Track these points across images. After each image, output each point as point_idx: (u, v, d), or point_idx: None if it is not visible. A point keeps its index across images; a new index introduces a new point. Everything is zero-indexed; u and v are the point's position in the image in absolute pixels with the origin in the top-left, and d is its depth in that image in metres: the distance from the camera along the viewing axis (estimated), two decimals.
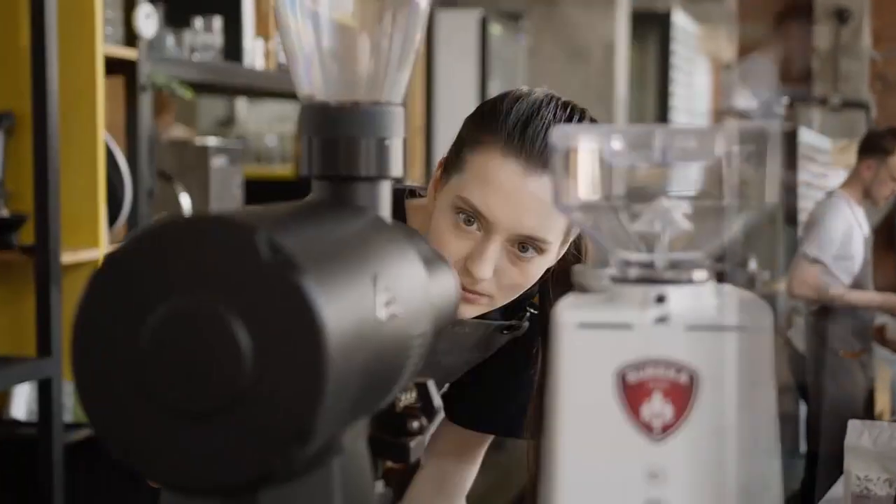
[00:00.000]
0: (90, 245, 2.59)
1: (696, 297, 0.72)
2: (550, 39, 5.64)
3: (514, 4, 5.98)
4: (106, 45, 2.64)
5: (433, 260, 0.90)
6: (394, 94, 0.85)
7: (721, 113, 9.32)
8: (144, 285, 0.64)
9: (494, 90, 5.76)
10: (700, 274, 0.73)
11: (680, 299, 0.71)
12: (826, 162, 8.14)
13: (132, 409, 0.64)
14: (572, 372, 0.72)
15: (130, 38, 2.76)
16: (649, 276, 0.73)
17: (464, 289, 1.30)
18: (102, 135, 2.59)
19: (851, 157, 8.67)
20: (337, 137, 0.82)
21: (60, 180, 2.48)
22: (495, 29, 5.45)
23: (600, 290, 0.79)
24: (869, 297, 4.57)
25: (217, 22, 3.14)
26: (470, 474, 1.55)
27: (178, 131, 4.25)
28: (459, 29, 5.35)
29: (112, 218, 2.69)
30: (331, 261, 0.67)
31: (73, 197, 2.57)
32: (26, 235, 2.49)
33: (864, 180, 4.57)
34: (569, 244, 1.38)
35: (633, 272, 0.73)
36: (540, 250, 1.30)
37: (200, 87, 3.34)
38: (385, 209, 0.84)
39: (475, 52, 5.28)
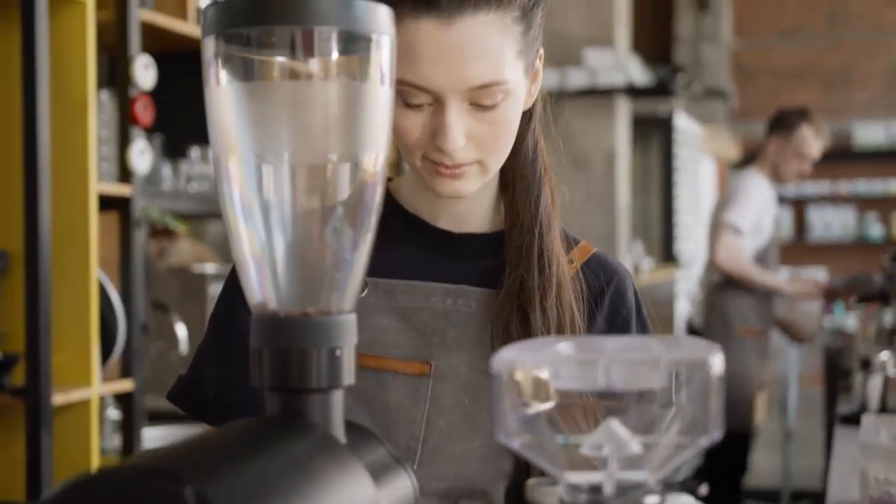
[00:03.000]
0: (83, 384, 2.58)
1: None
2: (551, 148, 5.67)
3: None
4: (100, 183, 2.65)
5: (386, 466, 0.88)
6: (345, 302, 0.85)
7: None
8: None
9: None
10: (652, 499, 0.71)
11: None
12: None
13: None
14: None
15: (125, 173, 2.78)
16: (598, 502, 0.71)
17: (446, 167, 1.20)
18: (96, 273, 2.60)
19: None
20: (288, 349, 0.82)
21: (52, 320, 2.48)
22: None
23: None
24: (781, 283, 4.55)
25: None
26: None
27: (184, 245, 4.25)
28: None
29: (105, 355, 2.68)
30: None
31: (66, 336, 2.56)
32: (17, 376, 2.48)
33: (772, 158, 4.63)
34: (541, 72, 1.27)
35: (582, 498, 0.72)
36: (503, 94, 1.18)
37: (197, 216, 3.36)
38: (336, 419, 0.83)
39: None
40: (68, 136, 2.56)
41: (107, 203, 2.73)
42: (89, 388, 2.58)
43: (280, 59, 0.77)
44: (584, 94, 5.46)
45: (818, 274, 10.32)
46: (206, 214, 3.41)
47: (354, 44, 0.81)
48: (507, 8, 1.18)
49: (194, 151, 3.17)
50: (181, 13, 2.97)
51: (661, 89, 6.15)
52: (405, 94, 1.17)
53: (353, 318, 0.84)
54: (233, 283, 1.34)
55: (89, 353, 2.58)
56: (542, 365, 0.72)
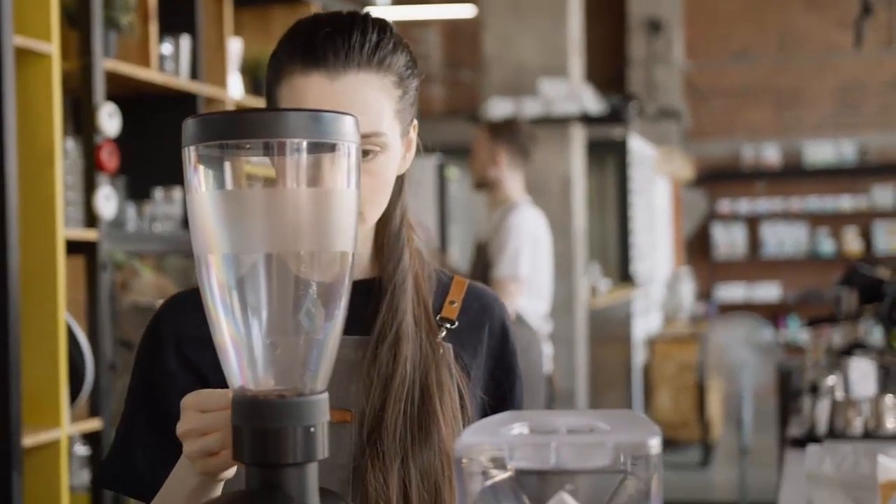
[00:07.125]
0: (52, 426, 2.63)
1: None
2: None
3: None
4: (67, 229, 2.71)
5: None
6: (318, 383, 0.92)
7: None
8: None
9: (454, 232, 5.90)
10: None
11: None
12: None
13: None
14: None
15: (91, 218, 2.84)
16: None
17: None
18: (63, 316, 2.65)
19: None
20: (266, 428, 0.89)
21: (22, 363, 2.53)
22: (452, 172, 5.59)
23: None
24: None
25: (177, 192, 3.24)
26: None
27: (147, 278, 4.26)
28: (417, 174, 5.46)
29: (74, 395, 2.74)
30: None
31: (35, 379, 2.61)
32: None
33: None
34: (414, 142, 1.34)
35: None
36: (380, 146, 1.26)
37: (163, 254, 3.42)
38: (312, 491, 0.91)
39: (433, 196, 5.42)
40: (36, 183, 2.62)
41: (73, 247, 2.78)
42: (58, 429, 2.63)
43: (254, 168, 0.84)
44: (540, 123, 5.56)
45: (772, 289, 10.52)
46: (170, 253, 3.46)
47: (322, 152, 0.89)
48: (387, 71, 1.28)
49: (158, 192, 3.23)
50: (144, 60, 3.04)
51: (614, 117, 6.26)
52: None
53: (325, 397, 0.92)
54: (150, 355, 1.32)
55: (58, 395, 2.64)
56: (500, 447, 0.81)
